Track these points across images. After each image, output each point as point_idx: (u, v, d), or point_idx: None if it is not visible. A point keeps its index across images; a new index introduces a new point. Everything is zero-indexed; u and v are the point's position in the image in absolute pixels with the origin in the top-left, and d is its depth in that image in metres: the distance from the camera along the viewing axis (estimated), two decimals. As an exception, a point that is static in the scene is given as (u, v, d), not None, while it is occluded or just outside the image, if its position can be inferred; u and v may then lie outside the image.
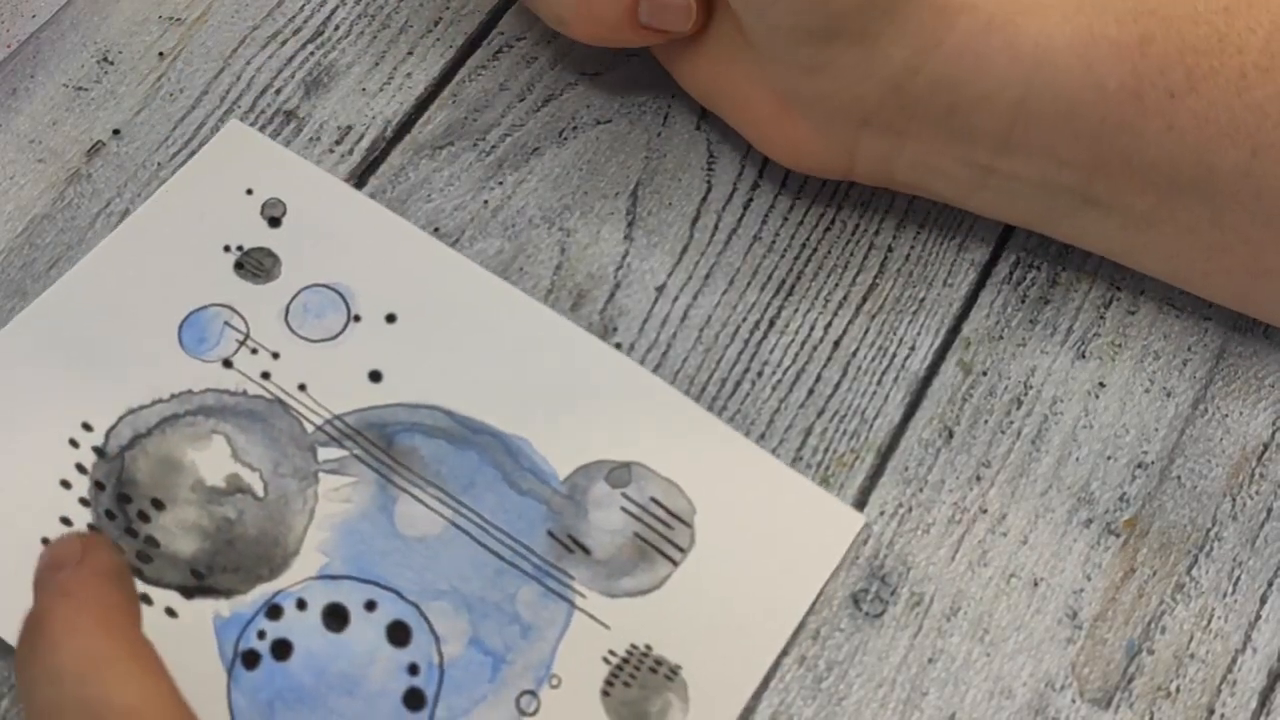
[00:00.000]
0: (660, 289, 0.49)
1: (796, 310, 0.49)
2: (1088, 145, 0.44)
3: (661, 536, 0.45)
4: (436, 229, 0.50)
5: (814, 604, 0.44)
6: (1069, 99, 0.43)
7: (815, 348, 0.49)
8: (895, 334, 0.49)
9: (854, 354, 0.49)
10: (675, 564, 0.44)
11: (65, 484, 0.45)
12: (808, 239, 0.50)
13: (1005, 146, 0.45)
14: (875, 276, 0.50)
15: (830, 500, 0.46)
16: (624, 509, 0.45)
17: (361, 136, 0.52)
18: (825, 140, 0.48)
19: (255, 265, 0.49)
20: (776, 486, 0.46)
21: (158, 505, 0.44)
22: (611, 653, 0.43)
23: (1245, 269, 0.46)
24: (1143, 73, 0.43)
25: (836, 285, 0.50)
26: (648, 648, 0.43)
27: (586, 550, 0.44)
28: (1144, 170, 0.44)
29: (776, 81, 0.47)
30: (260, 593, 0.43)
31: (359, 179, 0.51)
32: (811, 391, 0.48)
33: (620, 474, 0.45)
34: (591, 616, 0.43)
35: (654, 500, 0.45)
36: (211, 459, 0.45)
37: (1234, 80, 0.42)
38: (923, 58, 0.44)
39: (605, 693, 0.42)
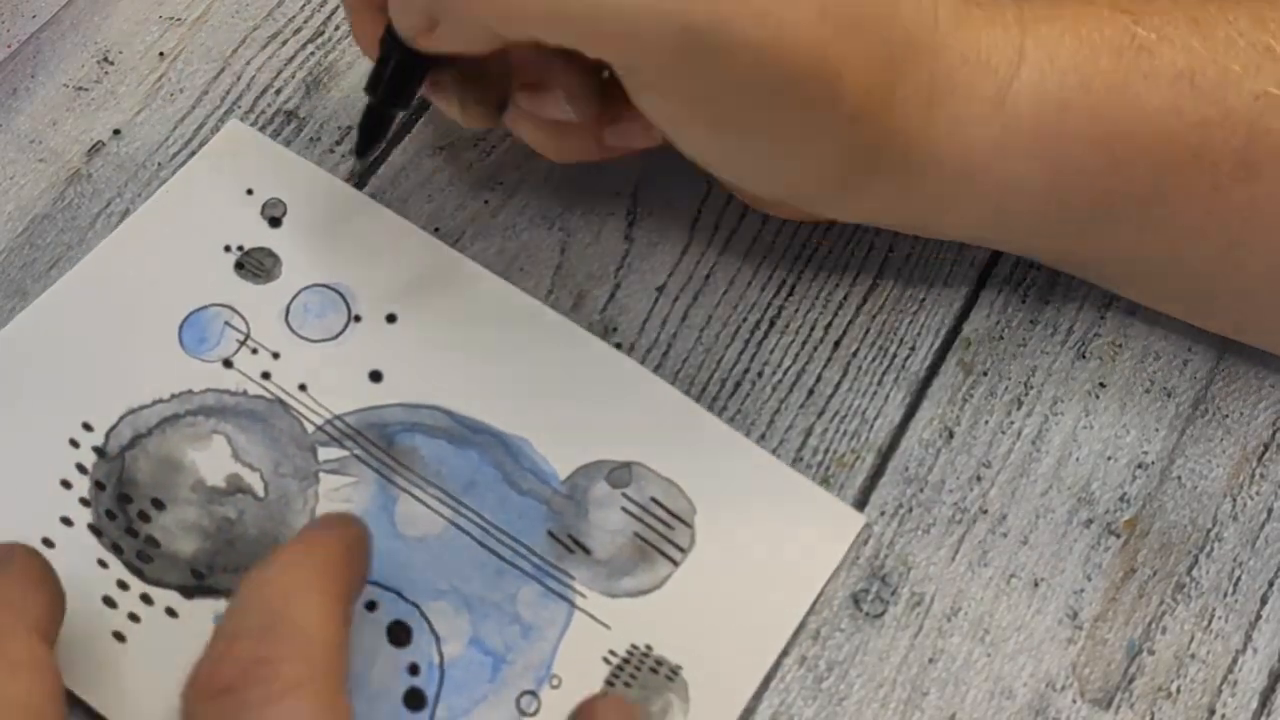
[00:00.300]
0: (660, 289, 0.49)
1: (796, 310, 0.49)
2: (1060, 243, 0.45)
3: (662, 536, 0.45)
4: (437, 229, 0.50)
5: (814, 604, 0.44)
6: (1038, 218, 0.44)
7: (815, 348, 0.49)
8: (895, 334, 0.49)
9: (854, 354, 0.49)
10: (675, 564, 0.44)
11: (66, 484, 0.45)
12: (808, 239, 0.50)
13: (978, 240, 0.47)
14: (875, 276, 0.50)
15: (830, 500, 0.46)
16: (624, 509, 0.45)
17: (362, 136, 0.52)
18: (806, 217, 0.49)
19: (256, 265, 0.48)
20: (777, 486, 0.46)
21: (158, 505, 0.44)
22: (612, 653, 0.43)
23: (1229, 322, 0.48)
24: (1112, 191, 0.43)
25: (836, 285, 0.50)
26: (648, 648, 0.43)
27: (587, 550, 0.44)
28: (1118, 256, 0.45)
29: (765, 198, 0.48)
30: (261, 593, 0.43)
31: (360, 179, 0.51)
32: (812, 391, 0.48)
33: (620, 474, 0.45)
34: (592, 616, 0.43)
35: (654, 500, 0.45)
36: (212, 459, 0.45)
37: (1207, 190, 0.42)
38: (893, 207, 0.44)
39: (606, 693, 0.42)
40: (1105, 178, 0.42)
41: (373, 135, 0.45)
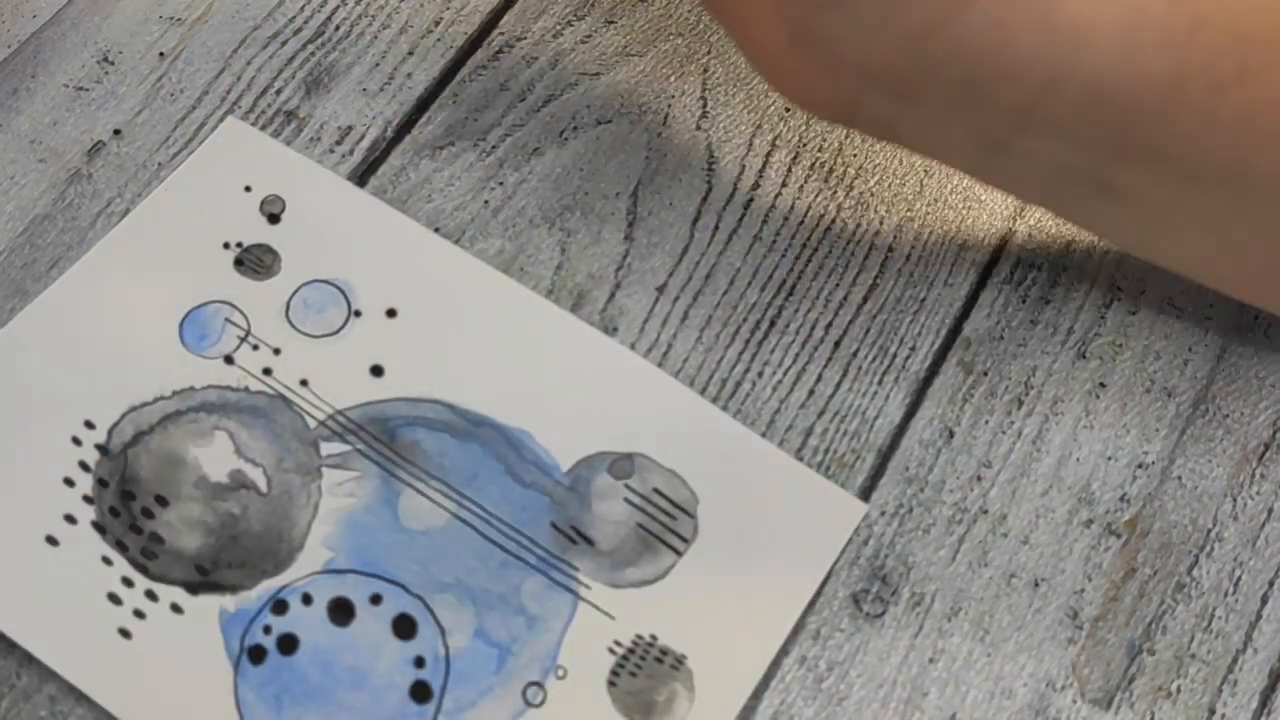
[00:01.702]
0: (661, 289, 0.49)
1: (796, 310, 0.49)
2: (1115, 132, 0.40)
3: (665, 527, 0.45)
4: (437, 229, 0.50)
5: (815, 603, 0.44)
6: (1103, 84, 0.39)
7: (815, 348, 0.49)
8: (896, 334, 0.49)
9: (854, 354, 0.49)
10: (679, 554, 0.44)
11: (69, 481, 0.44)
12: (808, 239, 0.50)
13: (1022, 126, 0.41)
14: (875, 276, 0.50)
15: (832, 488, 0.46)
16: (627, 500, 0.45)
17: (362, 137, 0.52)
18: (830, 85, 0.44)
19: (255, 262, 0.48)
20: (778, 475, 0.46)
21: (161, 502, 0.44)
22: (617, 643, 0.43)
23: (1263, 265, 0.44)
24: (1189, 61, 0.39)
25: (837, 285, 0.50)
26: (653, 638, 0.43)
27: (590, 541, 0.44)
28: (1172, 161, 0.41)
29: (789, 8, 0.43)
30: (265, 588, 0.43)
31: (360, 179, 0.51)
32: (812, 392, 0.48)
33: (623, 465, 0.45)
34: (596, 607, 0.43)
35: (657, 491, 0.45)
36: (214, 455, 0.45)
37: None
38: (946, 19, 0.40)
39: (611, 683, 0.42)
40: (1184, 43, 0.38)
41: None
